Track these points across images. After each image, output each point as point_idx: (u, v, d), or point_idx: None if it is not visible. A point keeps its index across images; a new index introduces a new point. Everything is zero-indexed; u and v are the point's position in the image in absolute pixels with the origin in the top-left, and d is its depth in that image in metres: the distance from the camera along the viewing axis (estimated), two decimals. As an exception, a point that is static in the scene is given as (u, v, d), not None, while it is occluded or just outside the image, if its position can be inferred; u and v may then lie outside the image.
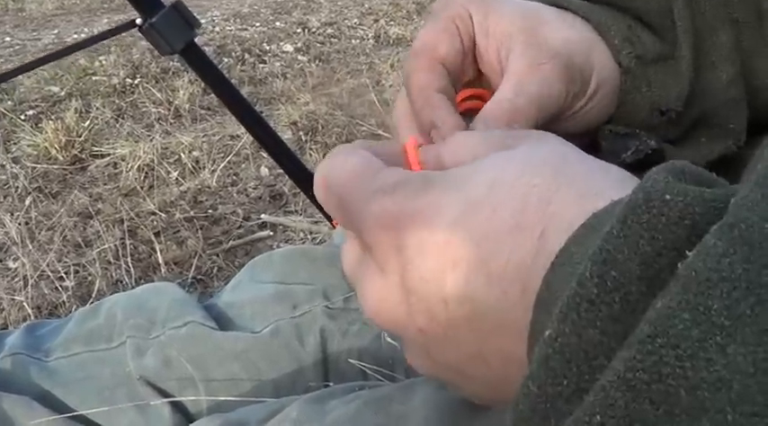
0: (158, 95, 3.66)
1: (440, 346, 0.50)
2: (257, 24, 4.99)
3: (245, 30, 4.86)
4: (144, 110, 3.62)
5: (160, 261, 2.38)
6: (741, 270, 0.32)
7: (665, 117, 0.74)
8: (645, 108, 0.74)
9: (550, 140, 0.53)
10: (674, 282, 0.34)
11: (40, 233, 2.63)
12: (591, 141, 0.76)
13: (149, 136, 3.28)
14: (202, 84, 3.51)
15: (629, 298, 0.36)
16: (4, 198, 2.90)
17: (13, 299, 2.29)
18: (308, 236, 2.47)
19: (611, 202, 0.42)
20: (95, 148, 3.20)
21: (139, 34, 1.51)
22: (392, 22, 4.83)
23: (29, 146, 3.19)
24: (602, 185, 0.45)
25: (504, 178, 0.47)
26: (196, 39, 1.55)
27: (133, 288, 1.21)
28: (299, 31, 4.81)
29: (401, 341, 0.55)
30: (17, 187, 2.94)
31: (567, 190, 0.45)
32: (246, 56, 4.32)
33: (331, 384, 1.02)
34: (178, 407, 1.05)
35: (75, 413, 1.02)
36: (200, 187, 2.82)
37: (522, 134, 0.54)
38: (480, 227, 0.46)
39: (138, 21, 1.47)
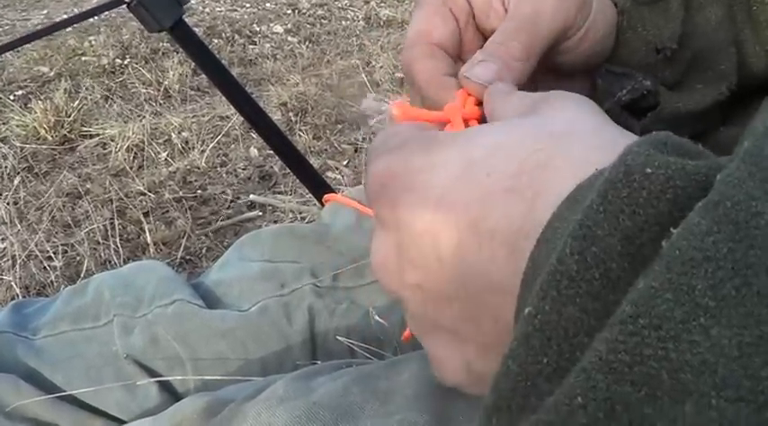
0: (148, 76, 3.65)
1: (436, 303, 0.49)
2: (247, 5, 4.97)
3: (235, 11, 4.84)
4: (133, 90, 3.60)
5: (149, 241, 2.37)
6: (726, 250, 0.31)
7: (661, 55, 0.75)
8: (641, 47, 0.76)
9: (570, 106, 0.51)
10: (658, 261, 0.33)
11: (28, 213, 2.62)
12: (591, 85, 0.78)
13: (139, 116, 3.27)
14: (192, 65, 3.51)
15: (609, 275, 0.36)
16: (-7, 178, 2.89)
17: (1, 279, 2.28)
18: (297, 216, 2.47)
19: (594, 172, 0.41)
20: (84, 129, 3.19)
21: (129, 15, 1.50)
22: (383, 4, 4.81)
23: (18, 126, 3.18)
24: (606, 159, 0.43)
25: (507, 142, 0.47)
26: (186, 20, 1.54)
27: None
28: (289, 12, 4.79)
29: (400, 300, 0.54)
30: (6, 167, 2.93)
31: (564, 159, 0.44)
32: (236, 37, 4.30)
33: (318, 362, 1.02)
34: (165, 386, 1.05)
35: (62, 393, 1.01)
36: (189, 167, 2.82)
37: (548, 97, 0.53)
38: (473, 190, 0.45)
39: (127, -2, 1.47)
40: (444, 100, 0.67)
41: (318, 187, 1.88)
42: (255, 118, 1.74)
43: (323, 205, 1.27)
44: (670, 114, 0.77)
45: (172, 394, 1.05)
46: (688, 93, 0.77)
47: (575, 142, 0.45)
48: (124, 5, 1.48)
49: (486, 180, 0.45)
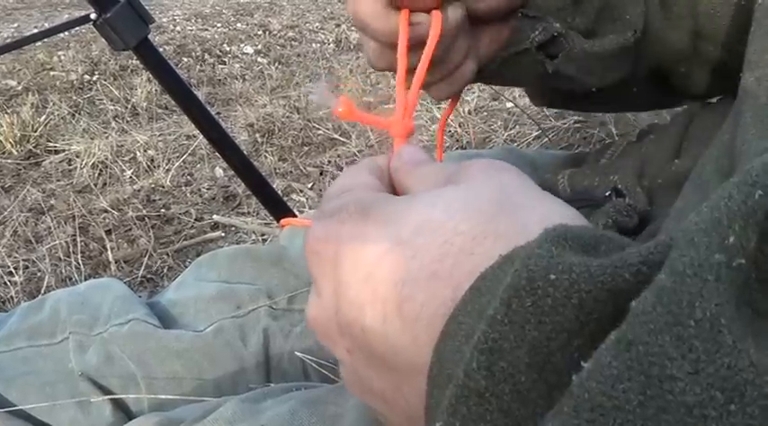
0: (116, 93, 3.64)
1: (365, 370, 0.50)
2: (218, 25, 4.98)
3: (206, 30, 4.84)
4: (101, 107, 3.59)
5: (110, 259, 2.36)
6: (636, 402, 0.30)
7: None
8: None
9: (501, 174, 0.51)
10: (567, 401, 0.32)
11: (-10, 227, 2.61)
12: (507, 30, 0.87)
13: (105, 133, 3.26)
14: (160, 83, 3.50)
15: (518, 389, 0.35)
16: (-44, 191, 2.88)
17: (-41, 293, 2.27)
18: (259, 238, 2.46)
19: (498, 258, 0.41)
20: (50, 144, 3.18)
21: (98, 30, 1.50)
22: (353, 28, 4.81)
23: (-17, 139, 3.17)
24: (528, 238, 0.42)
25: (432, 221, 0.46)
26: (157, 38, 1.55)
27: (82, 285, 1.21)
28: (259, 33, 4.80)
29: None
30: (-31, 180, 2.92)
31: (493, 243, 0.44)
32: (206, 56, 4.30)
33: (272, 384, 1.03)
34: (119, 405, 1.05)
35: (14, 408, 1.01)
36: (153, 186, 2.81)
37: (467, 166, 0.53)
38: (399, 270, 0.45)
39: (93, 15, 1.47)
40: (384, 28, 0.76)
41: (279, 210, 1.88)
42: (218, 138, 1.74)
43: (282, 227, 1.28)
44: (579, 54, 0.83)
45: (125, 413, 1.05)
46: (597, 40, 0.85)
47: (501, 221, 0.45)
48: (90, 23, 1.48)
49: (411, 262, 0.45)
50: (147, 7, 1.53)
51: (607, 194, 0.83)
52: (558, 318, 0.35)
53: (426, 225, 0.46)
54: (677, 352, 0.30)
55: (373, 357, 0.48)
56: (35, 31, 4.61)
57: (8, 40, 4.39)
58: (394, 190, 0.59)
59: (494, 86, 2.82)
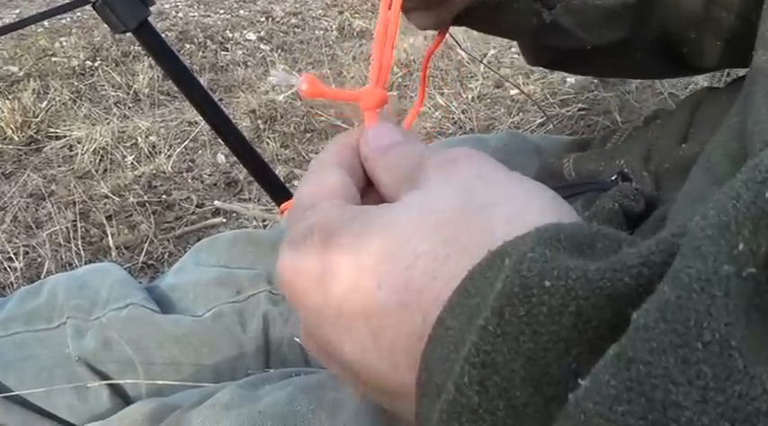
0: (118, 79, 3.63)
1: (360, 388, 0.49)
2: (221, 11, 4.96)
3: (209, 16, 4.83)
4: (102, 93, 3.58)
5: (111, 244, 2.36)
6: None
7: None
8: None
9: (461, 170, 0.49)
10: (562, 422, 0.30)
11: (-10, 213, 2.61)
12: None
13: (107, 119, 3.25)
14: (162, 69, 3.49)
15: (514, 403, 0.33)
16: (-44, 176, 2.87)
17: (-41, 279, 2.27)
18: (261, 224, 2.46)
19: (487, 254, 0.39)
20: (51, 130, 3.17)
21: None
22: (356, 15, 4.80)
23: (-16, 125, 3.17)
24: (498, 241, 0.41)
25: (392, 244, 0.44)
26: (159, 24, 1.54)
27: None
28: (262, 19, 4.78)
29: None
30: (-30, 166, 2.91)
31: (456, 261, 0.42)
32: (208, 43, 4.28)
33: (272, 370, 1.02)
34: (117, 391, 1.04)
35: (10, 393, 1.01)
36: (155, 172, 2.80)
37: (432, 160, 0.51)
38: (367, 303, 0.44)
39: (92, -3, 1.46)
40: None
41: (281, 195, 1.87)
42: (220, 124, 1.73)
43: (282, 212, 1.27)
44: (578, 6, 0.82)
45: (123, 399, 1.04)
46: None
47: (463, 232, 0.43)
48: (89, 5, 1.47)
49: (378, 293, 0.43)
50: (148, -8, 1.52)
51: (613, 178, 0.81)
52: (554, 328, 0.33)
53: (387, 250, 0.44)
54: (683, 378, 0.28)
55: (361, 381, 0.47)
56: (37, 16, 4.60)
57: (10, 26, 4.39)
58: (367, 176, 0.58)
59: (498, 72, 2.80)
